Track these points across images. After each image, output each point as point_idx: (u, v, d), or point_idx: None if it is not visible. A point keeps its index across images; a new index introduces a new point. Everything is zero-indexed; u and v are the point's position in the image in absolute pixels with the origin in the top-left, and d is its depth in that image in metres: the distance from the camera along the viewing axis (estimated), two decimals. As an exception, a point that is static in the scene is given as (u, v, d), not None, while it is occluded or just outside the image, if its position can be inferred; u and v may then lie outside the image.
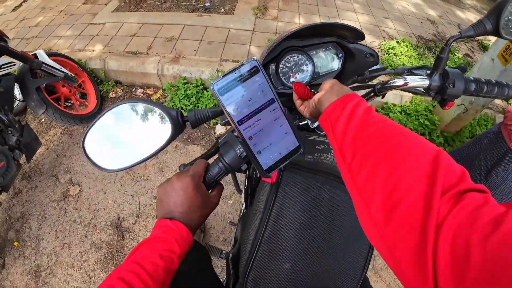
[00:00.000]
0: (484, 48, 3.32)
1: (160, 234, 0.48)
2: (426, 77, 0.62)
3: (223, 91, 0.45)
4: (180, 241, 0.48)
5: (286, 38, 0.69)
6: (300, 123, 0.80)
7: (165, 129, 0.56)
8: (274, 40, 0.70)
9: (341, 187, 0.65)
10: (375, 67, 0.75)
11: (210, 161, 0.59)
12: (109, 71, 2.63)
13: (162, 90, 2.64)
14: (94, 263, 1.72)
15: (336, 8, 3.50)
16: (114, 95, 2.66)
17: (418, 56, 2.88)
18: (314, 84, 0.80)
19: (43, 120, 2.51)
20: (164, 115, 0.55)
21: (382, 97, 0.72)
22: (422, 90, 0.65)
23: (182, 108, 2.38)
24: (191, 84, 2.48)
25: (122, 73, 2.64)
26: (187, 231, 0.50)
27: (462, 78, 0.60)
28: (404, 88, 0.63)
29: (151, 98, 2.64)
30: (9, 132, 1.75)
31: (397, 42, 2.99)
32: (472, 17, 4.06)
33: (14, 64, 1.73)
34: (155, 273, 0.43)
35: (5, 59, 1.67)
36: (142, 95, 2.68)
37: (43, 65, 1.92)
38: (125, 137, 0.56)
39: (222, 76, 0.46)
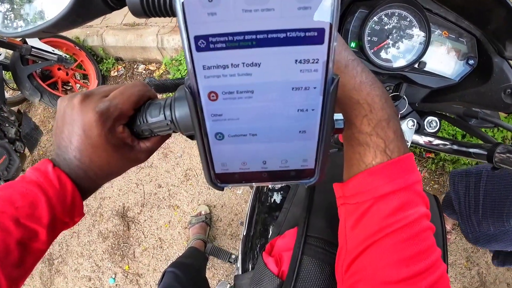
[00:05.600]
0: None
1: (26, 185, 0.31)
2: None
3: None
4: (56, 203, 0.31)
5: None
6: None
7: None
8: None
9: None
10: (496, 118, 0.46)
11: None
12: (108, 47, 2.47)
13: (165, 65, 2.46)
14: (102, 252, 1.75)
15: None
16: (115, 73, 2.53)
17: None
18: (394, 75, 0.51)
19: (47, 104, 2.47)
20: None
21: (494, 170, 0.42)
22: None
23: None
24: (194, 58, 2.28)
25: (121, 48, 2.46)
26: (75, 193, 0.32)
27: None
28: None
29: (154, 75, 2.49)
30: (7, 124, 1.71)
31: None
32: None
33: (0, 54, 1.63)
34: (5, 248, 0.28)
35: (-12, 50, 1.57)
36: (144, 71, 2.53)
37: (33, 49, 1.80)
38: None
39: None
